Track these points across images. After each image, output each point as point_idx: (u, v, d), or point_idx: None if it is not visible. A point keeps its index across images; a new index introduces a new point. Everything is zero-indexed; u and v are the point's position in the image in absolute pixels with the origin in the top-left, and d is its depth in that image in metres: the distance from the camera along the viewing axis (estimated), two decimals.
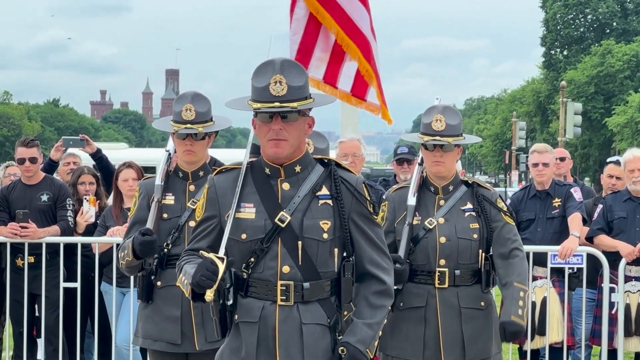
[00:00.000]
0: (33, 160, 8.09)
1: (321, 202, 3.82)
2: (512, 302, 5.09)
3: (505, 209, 5.26)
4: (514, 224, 5.28)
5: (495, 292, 5.39)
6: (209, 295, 3.56)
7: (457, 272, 5.16)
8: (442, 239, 5.14)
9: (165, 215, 5.24)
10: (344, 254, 3.86)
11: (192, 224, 5.00)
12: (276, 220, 3.76)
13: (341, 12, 7.32)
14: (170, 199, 5.30)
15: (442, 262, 5.16)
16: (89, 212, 8.06)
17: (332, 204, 3.83)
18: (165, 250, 5.21)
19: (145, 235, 5.07)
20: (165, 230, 5.23)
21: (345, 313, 3.88)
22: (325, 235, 3.79)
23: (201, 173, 5.30)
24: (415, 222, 5.21)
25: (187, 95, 5.30)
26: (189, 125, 5.19)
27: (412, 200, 5.23)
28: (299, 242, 3.77)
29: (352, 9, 7.36)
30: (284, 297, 3.76)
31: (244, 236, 3.78)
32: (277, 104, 3.72)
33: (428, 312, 5.16)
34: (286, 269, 3.76)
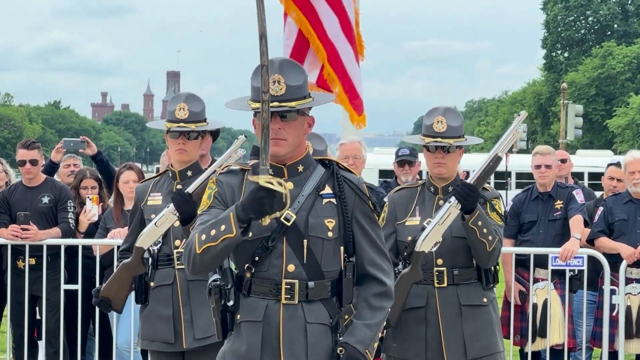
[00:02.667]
0: (34, 162, 8.10)
1: (325, 200, 3.83)
2: None
3: (496, 206, 5.24)
4: (500, 223, 5.24)
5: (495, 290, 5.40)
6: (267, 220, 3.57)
7: (456, 271, 5.17)
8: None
9: (153, 216, 5.21)
10: (345, 255, 3.86)
11: (176, 223, 5.03)
12: (282, 218, 3.75)
13: (315, 15, 7.33)
14: (157, 199, 5.32)
15: (440, 261, 5.17)
16: (92, 210, 8.06)
17: (335, 203, 3.83)
18: (155, 250, 5.23)
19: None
20: None
21: (346, 317, 3.88)
22: (330, 234, 3.79)
23: (189, 173, 5.31)
24: (415, 223, 5.23)
25: (181, 95, 5.35)
26: (182, 124, 5.21)
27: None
28: (304, 241, 3.77)
29: (321, 11, 7.36)
30: (289, 296, 3.76)
31: (249, 234, 3.76)
32: (275, 103, 3.71)
33: (429, 312, 5.17)
34: (291, 267, 3.76)
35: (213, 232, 3.62)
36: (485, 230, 5.04)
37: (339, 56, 7.36)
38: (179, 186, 5.27)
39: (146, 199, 5.36)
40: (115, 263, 5.38)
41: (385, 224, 5.25)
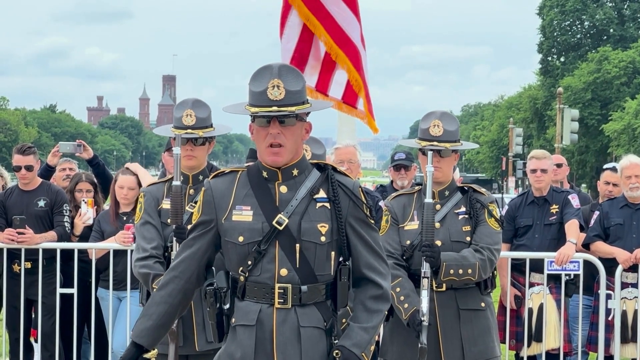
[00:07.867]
0: (29, 168, 8.08)
1: (319, 205, 3.83)
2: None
3: (493, 212, 5.26)
4: (498, 229, 5.26)
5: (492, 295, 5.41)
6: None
7: None
8: (438, 243, 5.16)
9: (169, 220, 5.23)
10: (340, 258, 3.86)
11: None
12: (274, 222, 3.77)
13: (332, 20, 7.34)
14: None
15: None
16: (87, 213, 8.05)
17: (329, 207, 3.84)
18: (167, 254, 5.23)
19: None
20: (167, 234, 5.24)
21: (343, 320, 3.88)
22: (322, 238, 3.79)
23: (201, 177, 5.33)
24: (414, 227, 5.25)
25: (187, 102, 5.36)
26: (189, 131, 5.23)
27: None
28: (297, 245, 3.77)
29: (342, 18, 7.38)
30: (282, 300, 3.76)
31: (241, 239, 3.79)
32: (274, 108, 3.74)
33: (427, 316, 5.17)
34: (284, 271, 3.77)
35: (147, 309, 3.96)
36: (461, 271, 5.09)
37: (360, 63, 7.39)
38: (192, 191, 5.30)
39: (162, 203, 5.34)
40: (136, 270, 5.27)
41: (389, 226, 5.32)
